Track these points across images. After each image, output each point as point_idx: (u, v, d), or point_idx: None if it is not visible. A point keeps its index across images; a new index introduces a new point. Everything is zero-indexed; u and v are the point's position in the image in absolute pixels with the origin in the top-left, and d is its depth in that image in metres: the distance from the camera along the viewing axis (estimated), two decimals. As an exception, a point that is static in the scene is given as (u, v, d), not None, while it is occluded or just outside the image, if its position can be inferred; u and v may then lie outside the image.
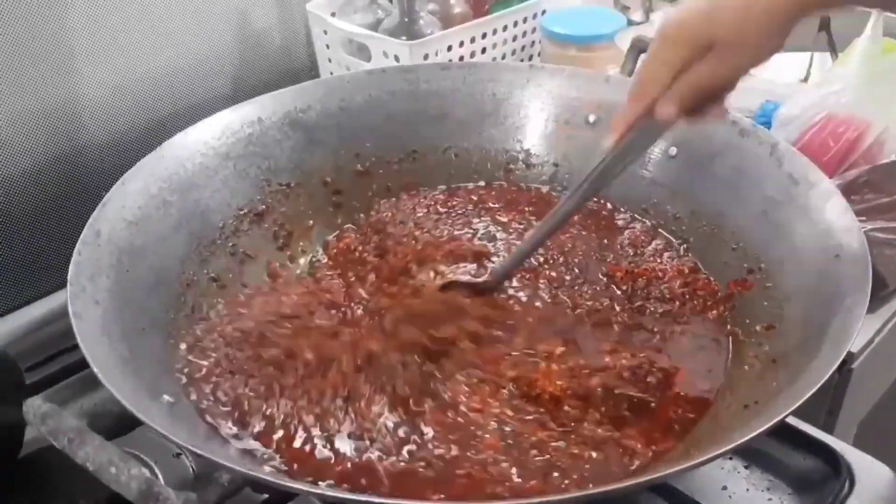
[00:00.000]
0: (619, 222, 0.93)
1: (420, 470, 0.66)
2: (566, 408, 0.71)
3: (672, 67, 0.67)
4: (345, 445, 0.67)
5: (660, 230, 0.91)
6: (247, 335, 0.77)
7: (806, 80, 1.21)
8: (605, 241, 0.90)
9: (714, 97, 0.69)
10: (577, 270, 0.86)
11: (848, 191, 0.77)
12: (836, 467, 0.72)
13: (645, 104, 0.70)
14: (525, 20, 1.25)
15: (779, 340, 0.73)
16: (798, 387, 0.61)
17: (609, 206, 0.95)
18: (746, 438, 0.57)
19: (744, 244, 0.83)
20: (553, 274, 0.85)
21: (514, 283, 0.84)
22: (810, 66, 1.22)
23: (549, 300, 0.82)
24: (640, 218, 0.93)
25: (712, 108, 0.70)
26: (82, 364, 0.72)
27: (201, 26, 1.12)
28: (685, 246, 0.88)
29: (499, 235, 0.92)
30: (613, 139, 0.73)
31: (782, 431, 0.74)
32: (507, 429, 0.69)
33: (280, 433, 0.68)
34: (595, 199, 0.95)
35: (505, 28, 1.23)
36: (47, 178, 1.00)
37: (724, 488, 0.72)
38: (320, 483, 0.64)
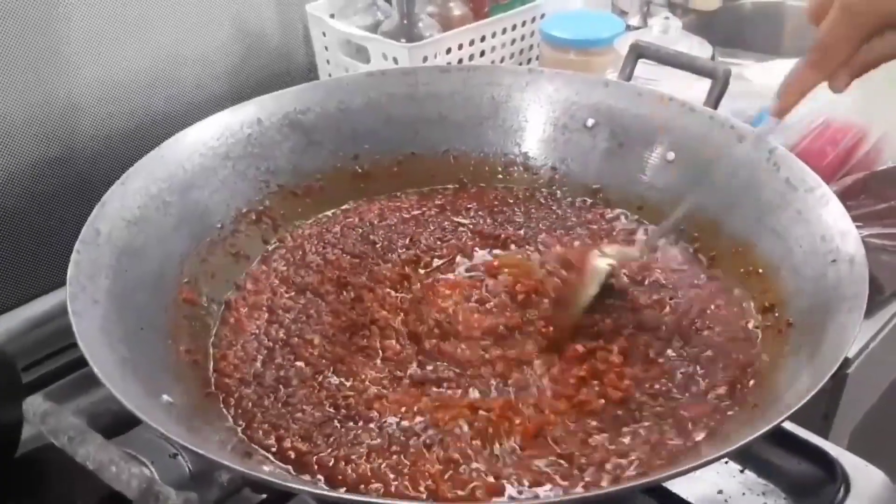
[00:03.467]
0: (617, 227, 0.93)
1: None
2: None
3: (858, 39, 0.63)
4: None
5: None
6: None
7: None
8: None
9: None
10: None
11: (845, 196, 0.78)
12: (831, 472, 0.73)
13: (825, 74, 0.66)
14: (524, 23, 1.25)
15: (775, 345, 0.73)
16: (795, 391, 0.62)
17: (607, 210, 0.95)
18: (743, 442, 0.57)
19: (741, 249, 0.83)
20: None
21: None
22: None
23: None
24: (637, 220, 0.93)
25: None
26: (79, 363, 0.72)
27: (200, 27, 1.12)
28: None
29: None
30: (784, 106, 0.70)
31: (778, 436, 0.74)
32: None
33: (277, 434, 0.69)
34: (591, 203, 0.96)
35: (504, 31, 1.23)
36: (45, 177, 1.00)
37: (720, 492, 0.73)
38: (319, 482, 0.64)
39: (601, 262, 0.79)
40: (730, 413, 0.68)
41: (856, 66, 0.66)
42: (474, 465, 0.65)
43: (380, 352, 0.76)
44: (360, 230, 0.93)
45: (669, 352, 0.76)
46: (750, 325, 0.78)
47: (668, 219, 0.81)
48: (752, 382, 0.71)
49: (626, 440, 0.67)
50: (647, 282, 0.84)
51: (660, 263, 0.86)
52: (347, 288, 0.84)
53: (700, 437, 0.67)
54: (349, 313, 0.81)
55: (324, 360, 0.76)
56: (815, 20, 0.66)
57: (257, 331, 0.80)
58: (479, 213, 0.96)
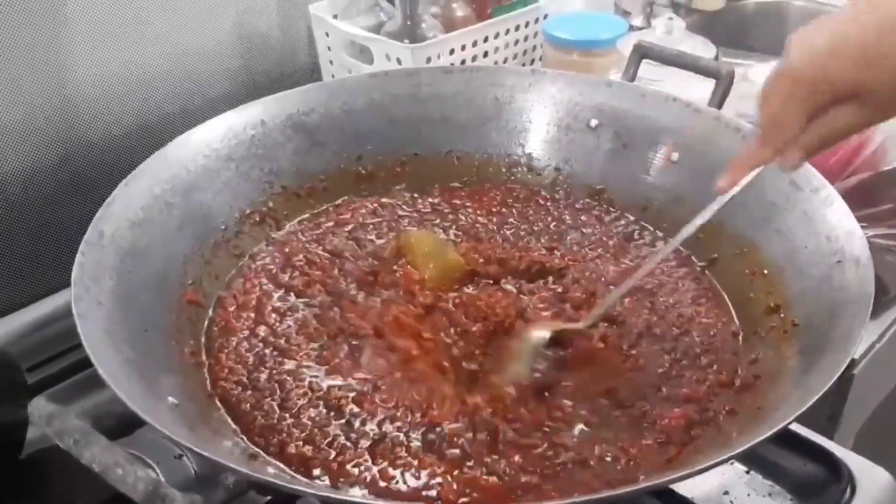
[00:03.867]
0: (623, 228, 0.93)
1: None
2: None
3: (808, 114, 0.61)
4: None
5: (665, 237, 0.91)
6: None
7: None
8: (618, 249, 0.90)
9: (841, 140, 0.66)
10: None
11: (850, 197, 0.77)
12: (837, 473, 0.72)
13: (776, 150, 0.65)
14: (527, 24, 1.25)
15: (781, 347, 0.73)
16: (801, 393, 0.61)
17: (612, 210, 0.95)
18: (750, 445, 0.57)
19: (746, 250, 0.83)
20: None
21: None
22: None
23: None
24: (642, 223, 0.93)
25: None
26: (83, 364, 0.72)
27: (203, 28, 1.12)
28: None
29: None
30: (731, 183, 0.68)
31: (783, 437, 0.74)
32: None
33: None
34: (597, 204, 0.96)
35: (507, 32, 1.23)
36: (49, 179, 1.00)
37: (726, 493, 0.73)
38: (323, 484, 0.64)
39: (535, 334, 0.76)
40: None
41: (808, 144, 0.64)
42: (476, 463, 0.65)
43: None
44: (350, 227, 0.92)
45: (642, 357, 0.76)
46: (732, 330, 0.78)
47: (621, 287, 0.77)
48: (736, 388, 0.72)
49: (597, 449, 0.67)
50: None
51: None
52: (328, 288, 0.84)
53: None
54: (331, 314, 0.80)
55: (312, 362, 0.75)
56: (764, 104, 0.64)
57: (247, 332, 0.79)
58: (479, 213, 0.96)
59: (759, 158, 0.67)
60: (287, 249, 0.89)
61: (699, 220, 0.72)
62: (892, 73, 0.58)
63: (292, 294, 0.83)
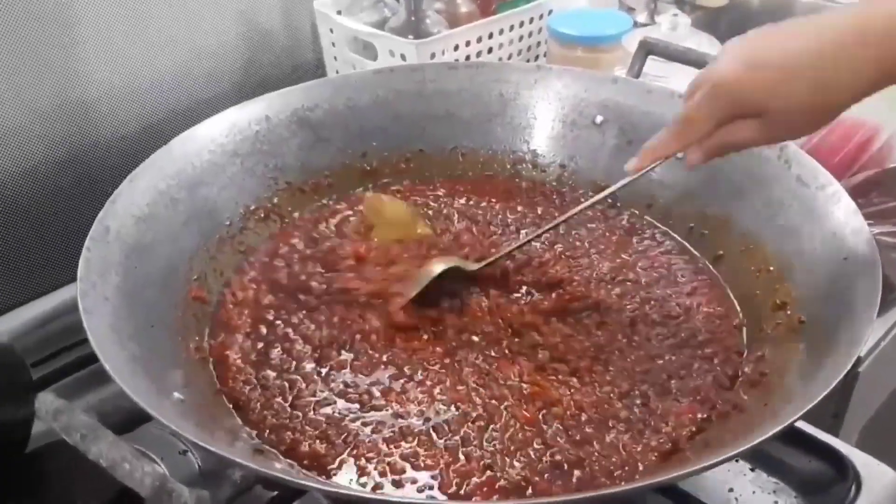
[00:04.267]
0: (627, 225, 0.93)
1: None
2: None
3: (719, 120, 0.66)
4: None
5: (669, 232, 0.91)
6: None
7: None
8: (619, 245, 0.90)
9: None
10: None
11: (856, 194, 0.77)
12: (843, 470, 0.72)
13: (683, 145, 0.70)
14: (532, 20, 1.25)
15: (787, 344, 0.72)
16: (807, 390, 0.61)
17: (616, 207, 0.95)
18: (756, 442, 0.57)
19: (752, 246, 0.82)
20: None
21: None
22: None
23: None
24: (647, 219, 0.93)
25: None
26: (88, 360, 0.73)
27: (207, 25, 1.12)
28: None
29: None
30: (639, 166, 0.73)
31: (788, 434, 0.74)
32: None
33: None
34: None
35: (512, 28, 1.23)
36: (55, 175, 1.00)
37: (731, 490, 0.72)
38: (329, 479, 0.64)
39: (433, 266, 0.80)
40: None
41: (710, 147, 0.68)
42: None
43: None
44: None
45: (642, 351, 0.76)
46: (736, 324, 0.78)
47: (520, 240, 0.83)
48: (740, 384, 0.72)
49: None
50: (617, 278, 0.84)
51: (643, 262, 0.87)
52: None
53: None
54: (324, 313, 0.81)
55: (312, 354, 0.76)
56: (689, 98, 0.68)
57: (249, 328, 0.79)
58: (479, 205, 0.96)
59: (667, 150, 0.71)
60: (288, 243, 0.89)
61: (608, 191, 0.78)
62: (792, 103, 0.63)
63: (293, 289, 0.83)
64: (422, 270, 0.81)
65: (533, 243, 0.87)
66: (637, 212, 0.94)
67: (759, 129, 0.65)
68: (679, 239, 0.90)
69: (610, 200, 0.94)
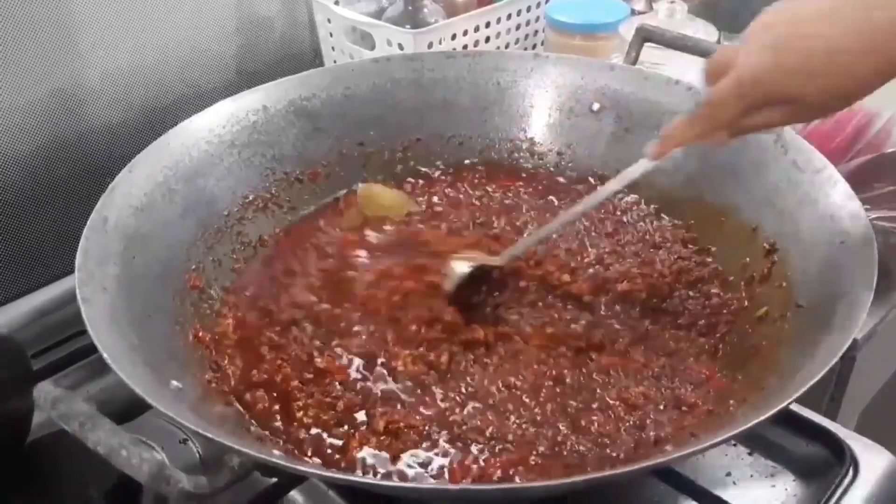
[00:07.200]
0: (625, 208, 0.93)
1: None
2: None
3: (746, 109, 0.64)
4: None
5: (665, 217, 0.91)
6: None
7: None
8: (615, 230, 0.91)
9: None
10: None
11: (854, 179, 0.77)
12: (840, 454, 0.73)
13: (707, 131, 0.68)
14: (529, 9, 1.25)
15: (784, 327, 0.73)
16: (803, 374, 0.62)
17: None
18: (751, 424, 0.57)
19: (750, 231, 0.82)
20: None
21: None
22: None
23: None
24: (643, 205, 0.93)
25: None
26: (88, 350, 0.73)
27: (205, 14, 1.12)
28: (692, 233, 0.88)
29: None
30: (661, 151, 0.72)
31: (786, 418, 0.74)
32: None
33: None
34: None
35: (509, 17, 1.22)
36: (52, 165, 1.00)
37: (728, 474, 0.73)
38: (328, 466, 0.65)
39: (460, 264, 0.80)
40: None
41: (735, 131, 0.67)
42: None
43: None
44: None
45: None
46: (733, 308, 0.79)
47: (542, 230, 0.82)
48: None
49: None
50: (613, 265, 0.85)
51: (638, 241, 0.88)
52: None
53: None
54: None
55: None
56: (710, 80, 0.66)
57: (249, 318, 0.80)
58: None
59: (692, 135, 0.69)
60: (286, 237, 0.90)
61: (625, 180, 0.76)
62: (829, 88, 0.61)
63: (292, 279, 0.84)
64: (451, 267, 0.80)
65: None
66: (634, 197, 0.94)
67: (789, 113, 0.64)
68: (677, 223, 0.90)
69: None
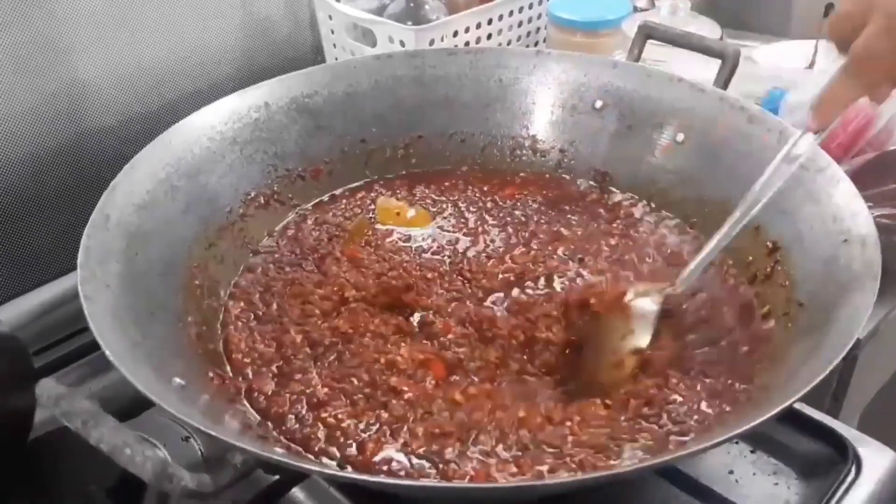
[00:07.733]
0: (627, 209, 0.93)
1: None
2: None
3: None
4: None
5: (666, 216, 0.91)
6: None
7: (811, 67, 1.20)
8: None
9: None
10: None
11: (856, 176, 0.77)
12: (843, 452, 0.73)
13: (867, 86, 0.64)
14: (531, 6, 1.25)
15: (787, 326, 0.73)
16: (806, 373, 0.61)
17: (616, 193, 0.95)
18: (754, 423, 0.57)
19: (752, 230, 0.82)
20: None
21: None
22: (815, 53, 1.21)
23: None
24: (646, 204, 0.93)
25: None
26: (90, 348, 0.73)
27: (205, 11, 1.12)
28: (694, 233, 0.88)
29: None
30: (824, 123, 0.68)
31: (788, 416, 0.74)
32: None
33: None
34: (600, 187, 0.96)
35: (511, 14, 1.22)
36: (54, 163, 1.00)
37: (731, 472, 0.73)
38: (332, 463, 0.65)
39: (644, 302, 0.72)
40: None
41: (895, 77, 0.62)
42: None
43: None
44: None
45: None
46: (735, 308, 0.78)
47: (710, 247, 0.75)
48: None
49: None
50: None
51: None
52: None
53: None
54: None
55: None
56: (837, 33, 0.63)
57: (250, 314, 0.80)
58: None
59: (852, 95, 0.64)
60: (288, 235, 0.90)
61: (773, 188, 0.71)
62: None
63: (294, 277, 0.84)
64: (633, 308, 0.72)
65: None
66: (636, 196, 0.94)
67: None
68: (679, 222, 0.90)
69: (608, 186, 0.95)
